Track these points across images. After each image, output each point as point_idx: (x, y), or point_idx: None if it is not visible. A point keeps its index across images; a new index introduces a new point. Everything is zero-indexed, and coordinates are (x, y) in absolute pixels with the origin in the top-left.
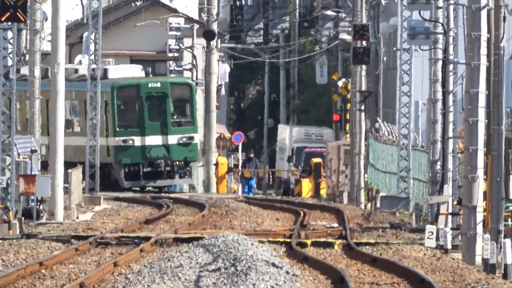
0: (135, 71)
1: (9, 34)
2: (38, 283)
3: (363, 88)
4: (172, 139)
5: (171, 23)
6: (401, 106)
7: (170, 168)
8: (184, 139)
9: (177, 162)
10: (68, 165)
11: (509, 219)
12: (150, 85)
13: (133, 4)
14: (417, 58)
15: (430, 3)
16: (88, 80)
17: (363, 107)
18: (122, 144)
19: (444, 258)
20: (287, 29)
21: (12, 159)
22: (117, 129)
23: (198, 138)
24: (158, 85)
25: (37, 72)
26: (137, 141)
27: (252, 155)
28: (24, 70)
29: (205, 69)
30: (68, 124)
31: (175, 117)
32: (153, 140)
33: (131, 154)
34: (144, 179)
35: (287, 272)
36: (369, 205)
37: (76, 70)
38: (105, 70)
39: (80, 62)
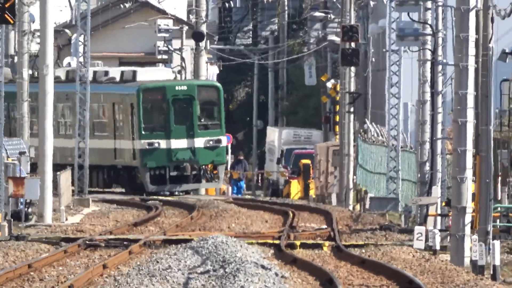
0: (165, 74)
1: None
2: (27, 285)
3: (352, 90)
4: (199, 142)
5: (159, 25)
6: (390, 107)
7: (196, 172)
8: (211, 142)
9: (204, 166)
10: (95, 168)
11: (498, 220)
12: (176, 87)
13: (122, 6)
14: (406, 60)
15: (418, 4)
16: (83, 81)
17: (352, 109)
18: (147, 147)
19: (433, 260)
20: (276, 30)
21: (0, 161)
22: (143, 132)
23: (225, 141)
24: (185, 87)
25: (25, 74)
26: (162, 144)
27: (241, 157)
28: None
29: (194, 71)
30: (98, 127)
31: (202, 120)
32: (179, 143)
33: (156, 158)
34: (170, 183)
35: (276, 274)
36: (358, 206)
37: (106, 73)
38: (134, 73)
39: (69, 65)
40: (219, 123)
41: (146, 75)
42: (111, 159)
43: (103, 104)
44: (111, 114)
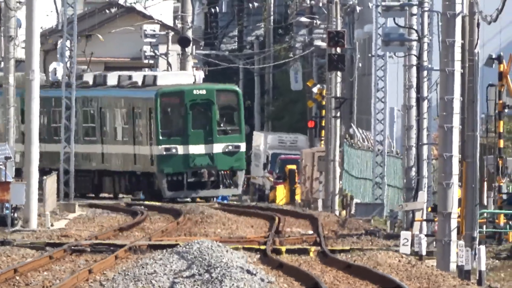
0: (186, 78)
1: None
2: None
3: (338, 95)
4: (217, 148)
5: (146, 30)
6: (376, 112)
7: (214, 178)
8: (230, 147)
9: (222, 172)
10: (117, 174)
11: (484, 226)
12: (195, 92)
13: (108, 11)
14: (392, 65)
15: (404, 10)
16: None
17: (338, 114)
18: (164, 153)
19: (419, 265)
20: (262, 35)
21: None
22: (160, 137)
23: (244, 146)
24: (203, 92)
25: (12, 80)
26: (180, 149)
27: None
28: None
29: None
30: (119, 132)
31: (220, 125)
32: (197, 148)
33: (174, 163)
34: (187, 190)
35: (262, 279)
36: (343, 211)
37: (130, 77)
38: (155, 77)
39: (55, 69)
40: (239, 128)
41: (167, 79)
42: (132, 165)
43: (124, 109)
44: (131, 119)
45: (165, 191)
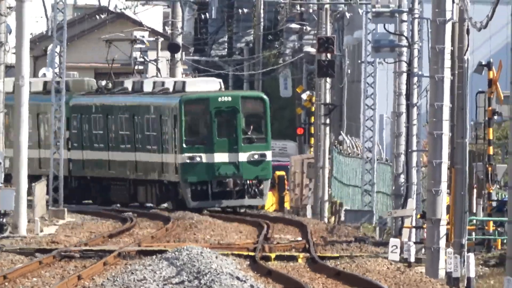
0: (214, 85)
1: None
2: None
3: (328, 101)
4: (243, 157)
5: (135, 36)
6: (365, 119)
7: (240, 188)
8: (256, 156)
9: (248, 181)
10: (146, 183)
11: (473, 233)
12: (220, 99)
13: (97, 17)
14: (382, 71)
15: (394, 16)
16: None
17: (327, 121)
18: (188, 161)
19: (408, 272)
20: (251, 42)
21: None
22: (184, 145)
23: (270, 155)
24: (229, 99)
25: (1, 86)
26: (204, 158)
27: None
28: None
29: None
30: (147, 139)
31: (246, 133)
32: (222, 157)
33: (198, 172)
34: (212, 199)
35: (251, 286)
36: (332, 218)
37: (163, 83)
38: (183, 83)
39: (44, 75)
40: (265, 136)
41: (195, 86)
42: (160, 174)
43: (153, 116)
44: (159, 127)
45: (189, 201)
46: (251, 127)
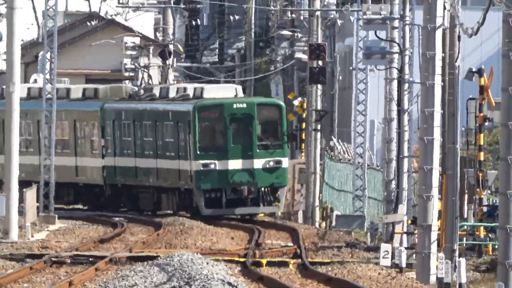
0: (233, 91)
1: None
2: None
3: (319, 107)
4: (258, 164)
5: (126, 43)
6: (356, 125)
7: (254, 195)
8: (271, 163)
9: (263, 189)
10: (162, 190)
11: (464, 238)
12: (234, 105)
13: (88, 24)
14: (373, 78)
15: (386, 23)
16: (45, 98)
17: (318, 127)
18: (202, 168)
19: (399, 277)
20: (243, 48)
21: None
22: (198, 152)
23: (287, 162)
24: (244, 105)
25: None
26: (219, 165)
27: None
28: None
29: None
30: (166, 146)
31: (262, 140)
32: (237, 164)
33: (212, 179)
34: (226, 207)
35: None
36: (324, 224)
37: (185, 89)
38: (201, 90)
39: (35, 81)
40: (281, 143)
41: (213, 92)
42: (177, 181)
43: (171, 122)
44: (176, 133)
45: (203, 209)
46: (267, 133)
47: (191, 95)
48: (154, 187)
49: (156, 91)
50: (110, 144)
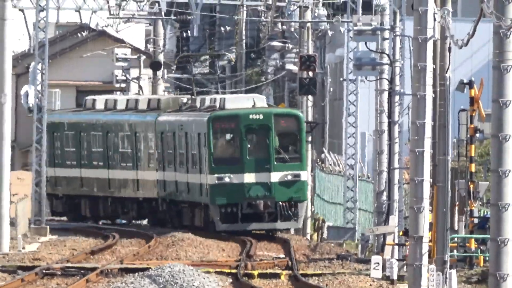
0: (250, 102)
1: None
2: None
3: (310, 119)
4: (275, 177)
5: (117, 54)
6: (347, 136)
7: (272, 210)
8: (289, 176)
9: (281, 203)
10: (188, 205)
11: (455, 250)
12: (251, 116)
13: (79, 35)
14: (363, 89)
15: (376, 34)
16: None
17: (309, 138)
18: (217, 182)
19: None
20: (234, 59)
21: None
22: (213, 165)
23: (306, 175)
24: (260, 116)
25: None
26: (234, 178)
27: None
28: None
29: None
30: (185, 159)
31: (279, 152)
32: (253, 177)
33: (227, 194)
34: (242, 222)
35: None
36: (315, 235)
37: (215, 100)
38: (224, 100)
39: (26, 93)
40: (299, 155)
41: (235, 103)
42: (198, 195)
43: (193, 134)
44: (198, 146)
45: (219, 224)
46: (284, 145)
47: (217, 106)
48: (178, 202)
49: (198, 103)
50: (159, 156)
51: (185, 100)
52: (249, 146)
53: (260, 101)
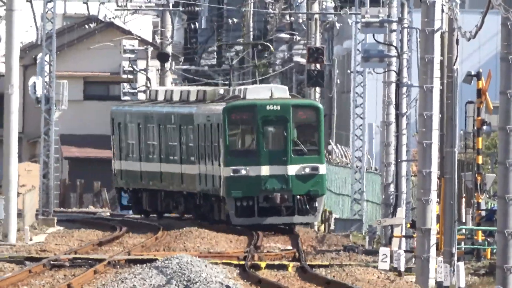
0: (276, 92)
1: None
2: None
3: None
4: (292, 170)
5: (125, 45)
6: (355, 128)
7: (289, 204)
8: (307, 169)
9: (298, 197)
10: (205, 197)
11: (462, 242)
12: (268, 107)
13: (87, 26)
14: (371, 81)
15: (384, 26)
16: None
17: None
18: (232, 174)
19: (398, 281)
20: (241, 51)
21: None
22: (228, 157)
23: (324, 169)
24: (278, 107)
25: None
26: (250, 171)
27: None
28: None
29: None
30: (204, 150)
31: (297, 144)
32: (270, 170)
33: (243, 186)
34: (258, 216)
35: None
36: (322, 227)
37: (234, 91)
38: (244, 90)
39: (34, 84)
40: (317, 148)
41: (255, 93)
42: (217, 188)
43: (215, 124)
44: (217, 137)
45: (233, 217)
46: (302, 137)
47: (241, 96)
48: (196, 194)
49: (230, 93)
50: (195, 150)
51: (221, 91)
52: (265, 137)
53: (281, 91)
